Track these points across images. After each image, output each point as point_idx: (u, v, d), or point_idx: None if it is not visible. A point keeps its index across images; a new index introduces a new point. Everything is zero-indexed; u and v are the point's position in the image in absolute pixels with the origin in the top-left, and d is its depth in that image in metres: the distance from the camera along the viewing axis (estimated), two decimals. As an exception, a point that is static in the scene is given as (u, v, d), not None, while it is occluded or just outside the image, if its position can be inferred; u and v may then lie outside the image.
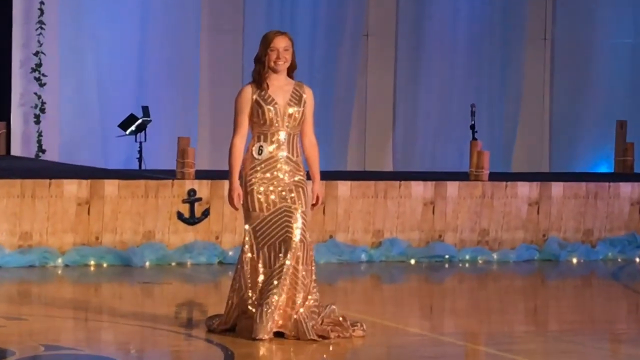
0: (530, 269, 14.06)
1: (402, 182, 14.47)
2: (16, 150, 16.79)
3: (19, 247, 12.98)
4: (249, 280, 9.08)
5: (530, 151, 18.32)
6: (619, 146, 16.32)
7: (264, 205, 8.99)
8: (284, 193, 8.98)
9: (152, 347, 9.37)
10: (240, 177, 9.14)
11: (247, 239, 9.18)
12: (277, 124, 8.98)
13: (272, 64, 8.95)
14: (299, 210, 8.93)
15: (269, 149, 8.97)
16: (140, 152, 16.17)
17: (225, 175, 13.89)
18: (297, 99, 9.10)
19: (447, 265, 13.98)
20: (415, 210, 14.24)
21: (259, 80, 9.00)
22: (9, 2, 16.82)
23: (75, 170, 14.59)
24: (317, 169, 9.21)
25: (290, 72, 9.12)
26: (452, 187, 14.43)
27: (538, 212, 14.64)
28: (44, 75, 16.68)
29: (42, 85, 16.68)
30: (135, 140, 16.22)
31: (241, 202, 9.13)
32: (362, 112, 17.84)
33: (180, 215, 13.53)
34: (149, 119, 16.11)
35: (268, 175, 9.02)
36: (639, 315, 11.92)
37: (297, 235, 8.89)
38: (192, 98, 17.27)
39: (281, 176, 8.99)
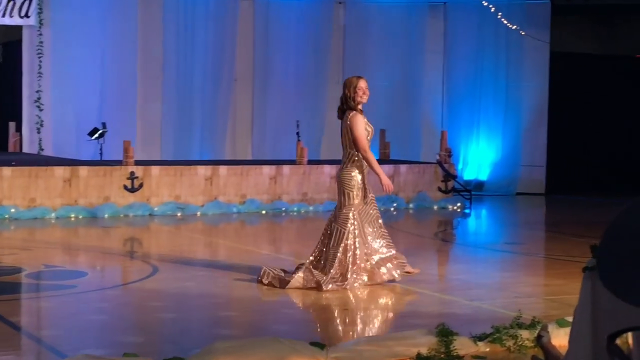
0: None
1: (257, 165, 14.56)
2: (25, 149, 16.39)
3: (28, 207, 12.75)
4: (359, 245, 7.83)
5: (331, 146, 18.32)
6: (382, 143, 16.51)
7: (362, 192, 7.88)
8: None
9: (109, 264, 9.29)
10: (345, 175, 7.89)
11: (350, 225, 7.82)
12: (369, 137, 7.95)
13: (359, 98, 7.85)
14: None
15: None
16: (101, 149, 16.00)
17: (150, 163, 14.02)
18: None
19: (283, 214, 13.98)
20: (263, 181, 14.31)
21: (356, 109, 7.86)
22: (20, 60, 16.46)
23: (61, 161, 14.29)
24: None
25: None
26: (286, 168, 14.54)
27: (336, 182, 14.80)
28: (41, 104, 16.28)
29: (40, 110, 16.25)
30: (98, 143, 16.03)
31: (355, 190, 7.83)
32: (233, 125, 17.79)
33: (125, 187, 13.38)
34: (106, 130, 15.93)
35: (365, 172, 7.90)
36: (393, 240, 12.05)
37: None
38: (132, 117, 17.02)
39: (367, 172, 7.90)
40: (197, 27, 17.42)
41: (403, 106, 18.27)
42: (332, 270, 7.74)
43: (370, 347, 5.59)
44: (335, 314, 6.99)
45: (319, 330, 6.43)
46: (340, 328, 6.51)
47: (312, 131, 17.76)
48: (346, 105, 7.95)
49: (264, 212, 14.01)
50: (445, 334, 5.71)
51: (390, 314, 7.09)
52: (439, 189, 15.53)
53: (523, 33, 17.64)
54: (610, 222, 1.32)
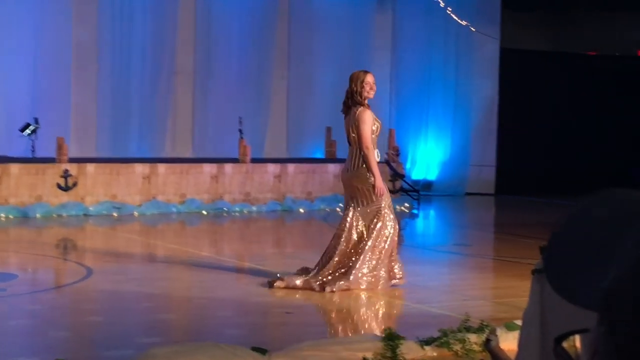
0: (275, 216, 14.11)
1: (197, 163, 14.56)
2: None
3: (-44, 206, 12.65)
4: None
5: (275, 144, 18.40)
6: (327, 142, 16.64)
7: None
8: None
9: (41, 266, 9.22)
10: (363, 173, 7.92)
11: (385, 216, 7.91)
12: (377, 132, 8.07)
13: (366, 93, 7.96)
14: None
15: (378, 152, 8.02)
16: (33, 146, 15.80)
17: (85, 160, 13.91)
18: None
19: (225, 215, 13.96)
20: (205, 180, 14.32)
21: (363, 104, 7.96)
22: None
23: (-9, 157, 14.21)
24: None
25: None
26: (228, 167, 14.53)
27: (280, 182, 14.86)
28: (-30, 97, 16.12)
29: (-31, 104, 16.10)
30: (30, 139, 15.83)
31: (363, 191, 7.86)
32: (172, 121, 17.67)
33: (59, 185, 13.29)
34: (38, 125, 15.74)
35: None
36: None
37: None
38: (66, 112, 16.84)
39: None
40: (134, 18, 17.28)
41: (350, 103, 18.28)
42: (364, 269, 7.76)
43: (315, 352, 5.59)
44: (278, 318, 6.98)
45: (260, 334, 6.41)
46: (283, 332, 6.51)
47: (255, 128, 17.74)
48: (352, 101, 7.97)
49: (204, 212, 13.96)
50: (391, 338, 5.73)
51: (336, 318, 7.10)
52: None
53: (473, 29, 17.80)
54: (557, 222, 1.34)
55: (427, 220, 15.16)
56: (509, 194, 17.94)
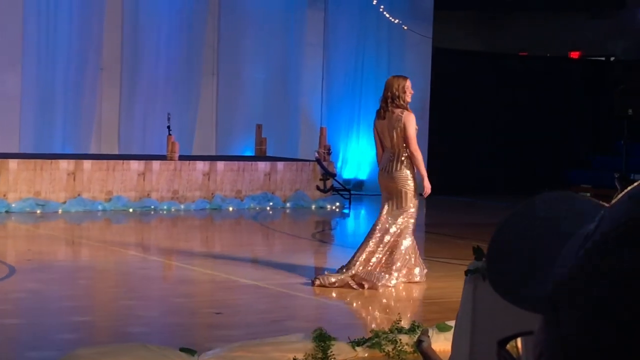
0: (204, 214, 14.00)
1: (124, 160, 14.39)
2: None
3: None
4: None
5: (204, 141, 18.28)
6: (258, 139, 16.59)
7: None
8: None
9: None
10: (399, 176, 8.32)
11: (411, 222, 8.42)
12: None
13: (407, 98, 8.31)
14: None
15: None
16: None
17: (7, 156, 13.68)
18: None
19: (152, 213, 13.83)
20: (132, 178, 14.16)
21: (407, 108, 8.29)
22: None
23: None
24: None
25: None
26: (155, 164, 14.39)
27: (209, 180, 14.76)
28: None
29: None
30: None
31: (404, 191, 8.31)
32: (98, 117, 17.42)
33: (-20, 181, 13.11)
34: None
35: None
36: (268, 241, 12.08)
37: None
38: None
39: None
40: (60, 12, 17.02)
41: (281, 100, 18.29)
42: (398, 264, 8.21)
43: (244, 353, 5.57)
44: (207, 319, 6.93)
45: (189, 335, 6.36)
46: (212, 333, 6.46)
47: (184, 125, 17.61)
48: (393, 105, 8.27)
49: (131, 210, 13.81)
50: (322, 338, 5.73)
51: (266, 318, 7.06)
52: (317, 188, 15.62)
53: (405, 28, 17.92)
54: (499, 223, 1.33)
55: (358, 220, 15.21)
56: (440, 194, 18.02)
